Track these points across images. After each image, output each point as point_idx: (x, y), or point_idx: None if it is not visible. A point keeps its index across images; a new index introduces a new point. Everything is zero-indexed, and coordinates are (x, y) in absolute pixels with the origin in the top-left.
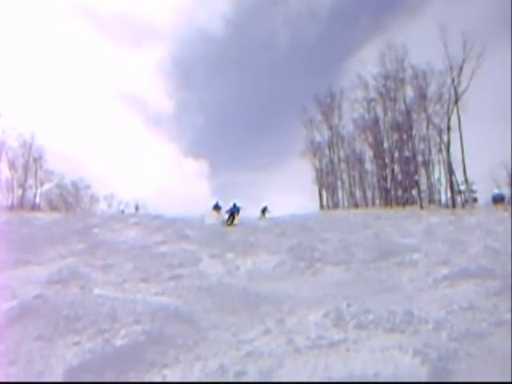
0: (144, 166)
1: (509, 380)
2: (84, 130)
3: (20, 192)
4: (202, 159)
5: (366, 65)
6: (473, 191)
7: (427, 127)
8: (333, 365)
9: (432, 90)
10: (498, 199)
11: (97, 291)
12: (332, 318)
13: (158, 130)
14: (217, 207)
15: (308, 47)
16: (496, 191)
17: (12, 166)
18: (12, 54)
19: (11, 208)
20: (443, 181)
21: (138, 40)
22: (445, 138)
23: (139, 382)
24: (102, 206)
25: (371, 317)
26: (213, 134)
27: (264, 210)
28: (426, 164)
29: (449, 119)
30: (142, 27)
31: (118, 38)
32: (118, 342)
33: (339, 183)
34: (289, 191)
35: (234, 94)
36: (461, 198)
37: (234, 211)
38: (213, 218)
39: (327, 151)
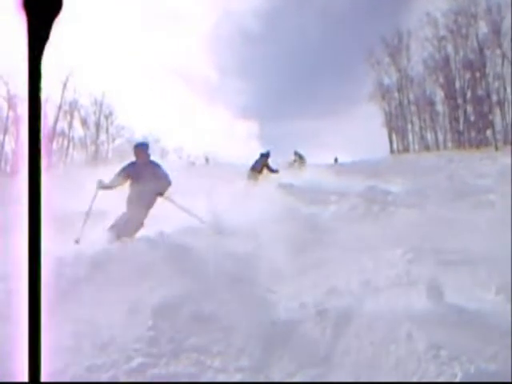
0: (198, 128)
1: (509, 380)
2: (147, 94)
3: (93, 148)
4: (253, 120)
5: (434, 1)
6: None
7: (502, 64)
8: (414, 302)
9: (507, 25)
10: None
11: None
12: (410, 258)
13: (209, 96)
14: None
15: None
16: None
17: (84, 123)
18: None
19: (86, 164)
20: None
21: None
22: None
23: (146, 382)
24: (172, 159)
25: (450, 256)
26: (269, 90)
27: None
28: (501, 103)
29: None
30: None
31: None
32: None
33: (409, 126)
34: (357, 136)
35: (295, 44)
36: None
37: None
38: None
39: (396, 94)
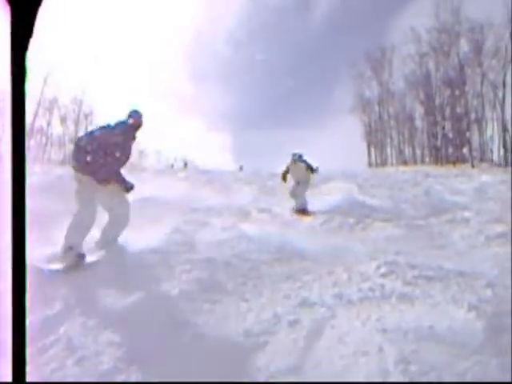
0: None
1: (509, 380)
2: (127, 96)
3: (71, 147)
4: (226, 132)
5: (419, 17)
6: None
7: (481, 83)
8: (386, 316)
9: (488, 45)
10: None
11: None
12: (383, 272)
13: (183, 108)
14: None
15: (358, 3)
16: None
17: (63, 121)
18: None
19: (63, 163)
20: (496, 139)
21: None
22: (500, 94)
23: (143, 382)
24: (151, 161)
25: (423, 272)
26: (244, 100)
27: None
28: (479, 121)
29: (505, 75)
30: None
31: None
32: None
33: (388, 140)
34: (335, 148)
35: (276, 54)
36: None
37: None
38: None
39: (377, 107)
